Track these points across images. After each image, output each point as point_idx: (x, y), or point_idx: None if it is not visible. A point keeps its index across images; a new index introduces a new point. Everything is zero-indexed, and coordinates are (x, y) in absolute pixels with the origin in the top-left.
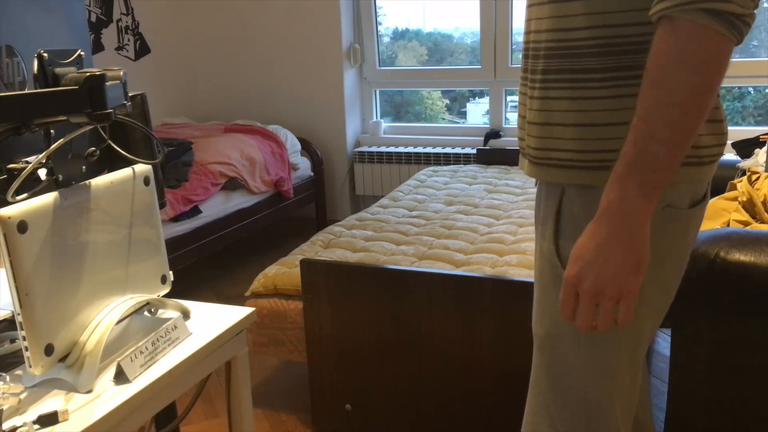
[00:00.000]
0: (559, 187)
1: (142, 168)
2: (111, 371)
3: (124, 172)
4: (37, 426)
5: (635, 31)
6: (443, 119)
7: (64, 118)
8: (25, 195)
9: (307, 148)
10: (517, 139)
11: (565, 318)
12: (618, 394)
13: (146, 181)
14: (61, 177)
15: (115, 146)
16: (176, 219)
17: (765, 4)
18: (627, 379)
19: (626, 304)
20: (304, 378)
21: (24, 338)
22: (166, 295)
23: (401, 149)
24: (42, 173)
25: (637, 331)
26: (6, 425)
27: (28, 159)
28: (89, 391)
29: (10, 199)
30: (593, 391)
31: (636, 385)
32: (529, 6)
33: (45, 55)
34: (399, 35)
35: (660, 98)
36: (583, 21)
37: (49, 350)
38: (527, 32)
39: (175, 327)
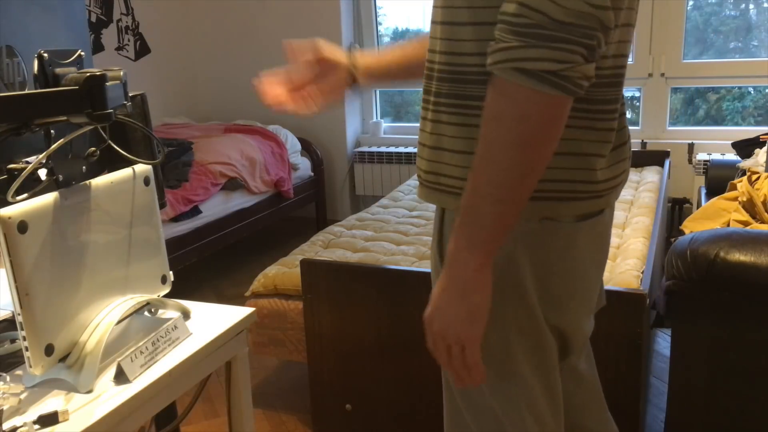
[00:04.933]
0: (442, 209)
1: (142, 168)
2: (111, 371)
3: (124, 172)
4: (37, 426)
5: None
6: None
7: (64, 118)
8: (25, 195)
9: (307, 148)
10: None
11: (437, 359)
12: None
13: (146, 181)
14: (61, 177)
15: (115, 146)
16: (176, 219)
17: (765, 4)
18: (544, 403)
19: (469, 353)
20: (304, 378)
21: (24, 338)
22: (166, 295)
23: (401, 149)
24: (42, 173)
25: (536, 350)
26: (6, 425)
27: (28, 159)
28: (89, 391)
29: (10, 199)
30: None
31: (560, 410)
32: (431, 22)
33: (45, 55)
34: (399, 35)
35: (483, 153)
36: (473, 47)
37: (49, 350)
38: (427, 50)
39: (175, 327)
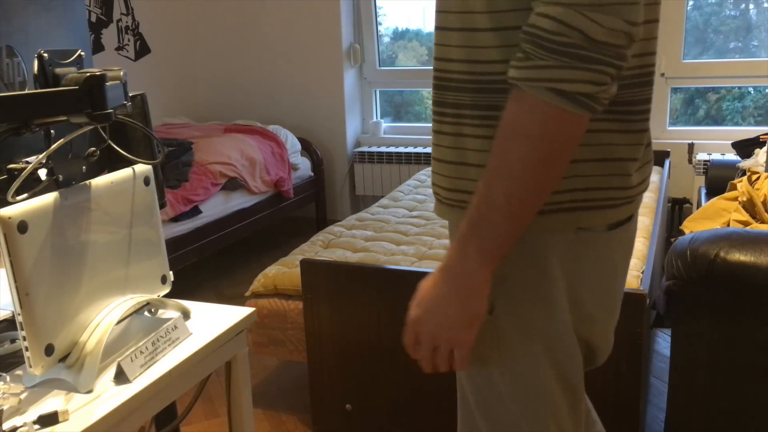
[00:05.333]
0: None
1: (142, 168)
2: (111, 371)
3: (124, 172)
4: (37, 426)
5: None
6: None
7: (64, 118)
8: (25, 195)
9: (307, 148)
10: None
11: (410, 355)
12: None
13: (146, 181)
14: (61, 177)
15: (115, 146)
16: (176, 219)
17: (765, 4)
18: (565, 408)
19: (460, 354)
20: (304, 378)
21: (24, 338)
22: (166, 295)
23: (401, 149)
24: (42, 173)
25: (562, 358)
26: (6, 425)
27: (28, 159)
28: (89, 391)
29: (10, 199)
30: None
31: (580, 417)
32: (436, 28)
33: (45, 55)
34: (399, 35)
35: (500, 168)
36: (498, 54)
37: (49, 350)
38: (435, 58)
39: (175, 327)
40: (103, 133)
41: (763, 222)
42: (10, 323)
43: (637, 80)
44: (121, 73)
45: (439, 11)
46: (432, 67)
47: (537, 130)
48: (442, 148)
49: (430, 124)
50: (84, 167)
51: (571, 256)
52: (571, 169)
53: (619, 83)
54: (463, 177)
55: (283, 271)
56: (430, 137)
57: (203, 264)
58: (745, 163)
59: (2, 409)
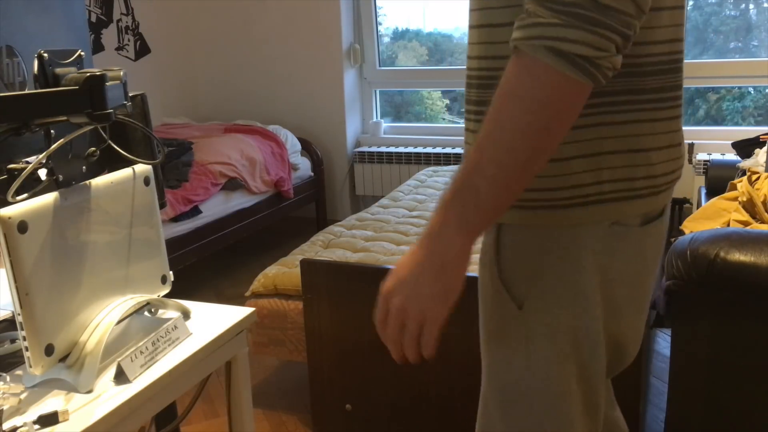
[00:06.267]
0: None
1: (142, 168)
2: (111, 371)
3: (124, 173)
4: (37, 426)
5: None
6: (443, 119)
7: (64, 118)
8: (25, 195)
9: (307, 148)
10: None
11: (380, 336)
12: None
13: (146, 181)
14: (61, 177)
15: (115, 146)
16: (176, 219)
17: (765, 4)
18: (581, 408)
19: (428, 331)
20: (304, 378)
21: (24, 338)
22: (166, 295)
23: (401, 149)
24: (42, 173)
25: (588, 359)
26: (6, 425)
27: (28, 159)
28: (89, 391)
29: (10, 199)
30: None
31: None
32: (468, 27)
33: (45, 55)
34: (399, 35)
35: (492, 131)
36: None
37: (49, 350)
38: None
39: (175, 327)
40: (103, 133)
41: (763, 222)
42: (10, 323)
43: (666, 66)
44: (121, 73)
45: (470, 9)
46: (433, 67)
47: (532, 92)
48: (470, 145)
49: (430, 125)
50: (84, 167)
51: (605, 250)
52: (599, 161)
53: (649, 69)
54: None
55: (283, 271)
56: (431, 137)
57: (203, 264)
58: (745, 163)
59: (2, 409)
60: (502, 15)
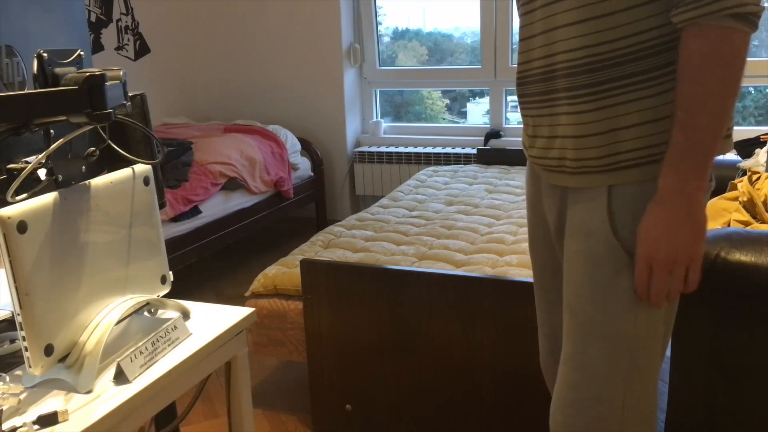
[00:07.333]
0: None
1: (142, 168)
2: (111, 371)
3: (124, 172)
4: (37, 426)
5: (660, 33)
6: (443, 119)
7: (64, 118)
8: (25, 195)
9: (307, 148)
10: (520, 139)
11: (641, 294)
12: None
13: (146, 181)
14: (60, 177)
15: (115, 146)
16: (176, 219)
17: (765, 4)
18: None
19: (695, 269)
20: (304, 378)
21: (24, 338)
22: (166, 295)
23: (401, 149)
24: (42, 173)
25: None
26: (6, 425)
27: (28, 159)
28: (89, 392)
29: (10, 199)
30: (650, 359)
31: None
32: (537, 34)
33: (45, 55)
34: (399, 35)
35: (700, 93)
36: (626, 30)
37: (49, 350)
38: (546, 55)
39: (175, 327)
40: (102, 133)
41: (763, 222)
42: (9, 323)
43: (674, 44)
44: (121, 73)
45: (543, 17)
46: (433, 67)
47: (727, 51)
48: (583, 125)
49: (430, 124)
50: (84, 167)
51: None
52: (671, 121)
53: (676, 44)
54: (616, 141)
55: (283, 271)
56: (430, 137)
57: (203, 264)
58: (746, 163)
59: (2, 410)
60: (604, 7)
